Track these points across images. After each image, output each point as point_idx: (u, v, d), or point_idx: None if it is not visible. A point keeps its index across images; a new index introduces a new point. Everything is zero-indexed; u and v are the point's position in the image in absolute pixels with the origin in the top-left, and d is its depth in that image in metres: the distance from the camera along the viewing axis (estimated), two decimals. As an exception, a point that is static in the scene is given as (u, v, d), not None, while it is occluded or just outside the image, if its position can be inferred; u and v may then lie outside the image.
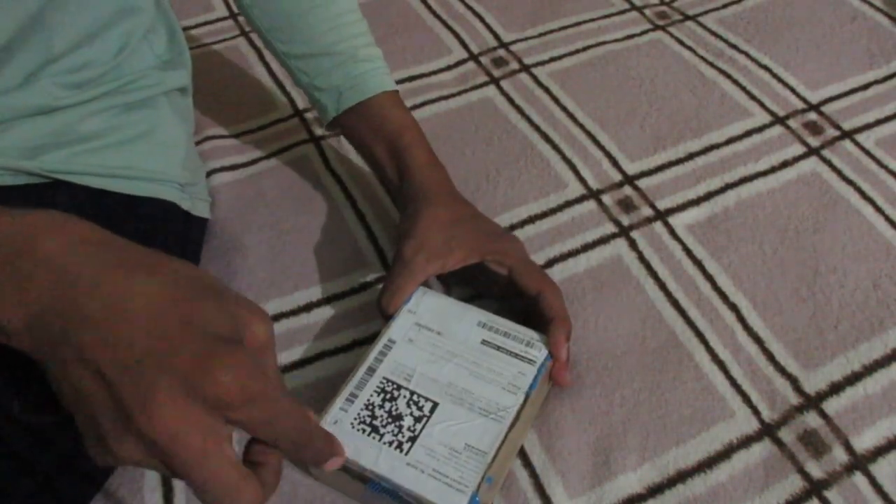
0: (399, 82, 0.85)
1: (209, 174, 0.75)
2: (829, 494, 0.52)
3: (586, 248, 0.68)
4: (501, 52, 0.89)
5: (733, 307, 0.63)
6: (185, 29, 0.84)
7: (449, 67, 0.87)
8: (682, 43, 0.88)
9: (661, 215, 0.70)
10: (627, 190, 0.72)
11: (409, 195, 0.61)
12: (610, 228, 0.69)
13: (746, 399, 0.57)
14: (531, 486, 0.53)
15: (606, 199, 0.72)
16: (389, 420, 0.50)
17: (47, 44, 0.51)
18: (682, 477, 0.54)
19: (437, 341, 0.54)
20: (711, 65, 0.85)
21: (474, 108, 0.82)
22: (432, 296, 0.57)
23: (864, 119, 0.77)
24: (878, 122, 0.77)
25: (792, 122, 0.78)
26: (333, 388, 0.59)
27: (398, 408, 0.51)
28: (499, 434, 0.49)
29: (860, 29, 0.88)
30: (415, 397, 0.51)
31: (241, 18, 0.98)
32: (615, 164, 0.75)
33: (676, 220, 0.69)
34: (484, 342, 0.54)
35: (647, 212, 0.70)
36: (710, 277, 0.65)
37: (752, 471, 0.54)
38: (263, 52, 0.91)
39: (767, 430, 0.56)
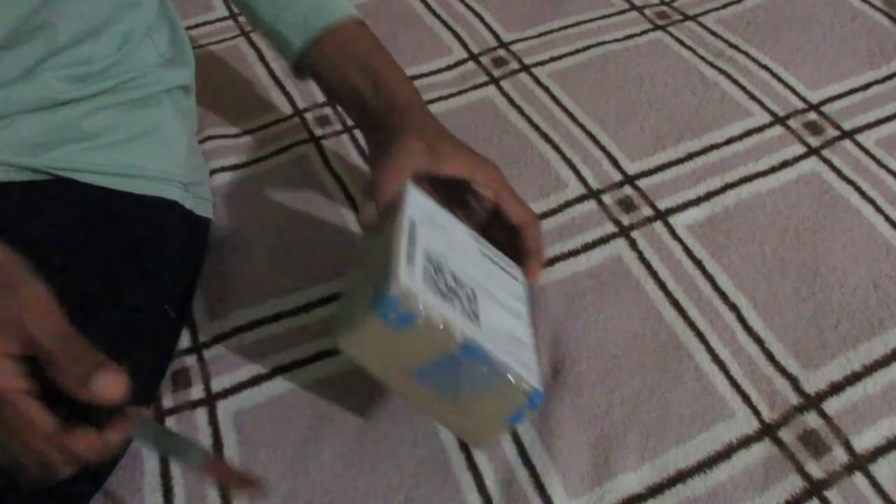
0: (399, 82, 0.85)
1: (209, 174, 0.75)
2: (829, 494, 0.52)
3: (586, 247, 0.68)
4: (501, 52, 0.89)
5: (733, 307, 0.63)
6: (186, 29, 0.84)
7: (449, 67, 0.87)
8: (682, 43, 0.88)
9: (662, 215, 0.70)
10: (627, 190, 0.72)
11: (391, 108, 0.57)
12: (610, 228, 0.69)
13: (746, 399, 0.57)
14: (531, 486, 0.53)
15: (606, 198, 0.72)
16: (449, 291, 0.44)
17: (49, 37, 0.51)
18: (682, 477, 0.54)
19: (446, 237, 0.49)
20: (711, 65, 0.85)
21: (474, 108, 0.82)
22: (423, 195, 0.51)
23: (864, 119, 0.77)
24: (878, 122, 0.77)
25: (792, 122, 0.78)
26: (334, 389, 0.59)
27: (449, 282, 0.44)
28: (529, 332, 0.46)
29: (860, 29, 0.88)
30: (456, 277, 0.45)
31: (241, 18, 0.98)
32: (615, 163, 0.75)
33: (676, 220, 0.69)
34: (479, 251, 0.50)
35: (647, 212, 0.70)
36: (710, 277, 0.65)
37: (752, 471, 0.54)
38: (263, 52, 0.91)
39: (767, 430, 0.56)
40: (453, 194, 0.55)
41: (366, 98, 0.59)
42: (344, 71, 0.60)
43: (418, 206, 0.49)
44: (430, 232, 0.47)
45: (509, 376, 0.43)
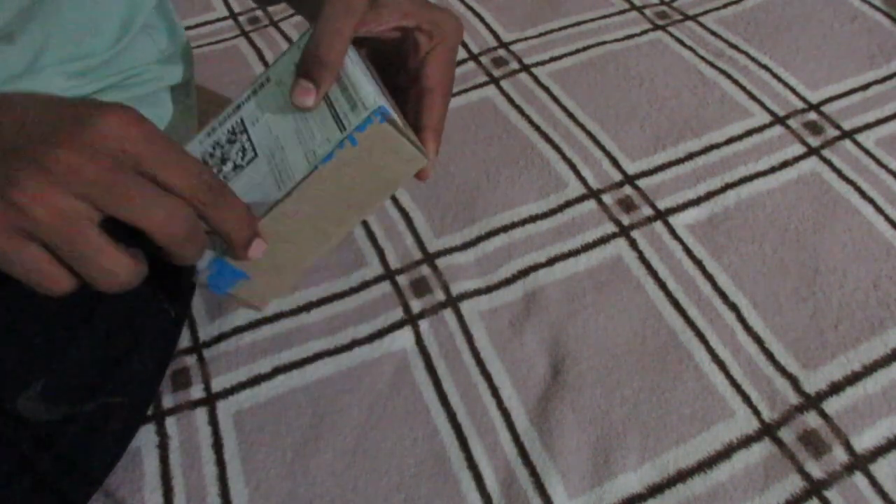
0: (399, 82, 0.85)
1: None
2: (829, 494, 0.52)
3: (587, 247, 0.68)
4: (501, 52, 0.89)
5: (733, 307, 0.63)
6: (185, 29, 0.84)
7: (449, 67, 0.87)
8: (682, 43, 0.88)
9: (662, 215, 0.70)
10: (627, 189, 0.72)
11: None
12: (610, 228, 0.69)
13: (746, 399, 0.57)
14: (531, 486, 0.53)
15: (607, 198, 0.72)
16: (219, 164, 0.42)
17: (48, 29, 0.51)
18: (682, 476, 0.54)
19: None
20: (711, 65, 0.85)
21: (474, 108, 0.82)
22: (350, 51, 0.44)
23: (864, 119, 0.77)
24: (878, 122, 0.77)
25: (792, 122, 0.78)
26: (334, 389, 0.59)
27: (229, 153, 0.43)
28: (265, 206, 0.40)
29: (860, 29, 0.88)
30: (245, 145, 0.43)
31: (241, 18, 0.98)
32: (615, 163, 0.75)
33: (676, 220, 0.69)
34: (326, 96, 0.43)
35: (647, 211, 0.70)
36: (710, 277, 0.65)
37: (752, 471, 0.54)
38: (263, 52, 0.91)
39: (767, 430, 0.56)
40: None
41: None
42: None
43: (294, 59, 0.44)
44: (271, 93, 0.44)
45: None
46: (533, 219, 0.70)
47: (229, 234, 0.35)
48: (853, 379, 0.58)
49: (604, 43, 0.88)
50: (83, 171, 0.30)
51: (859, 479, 0.53)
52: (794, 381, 0.58)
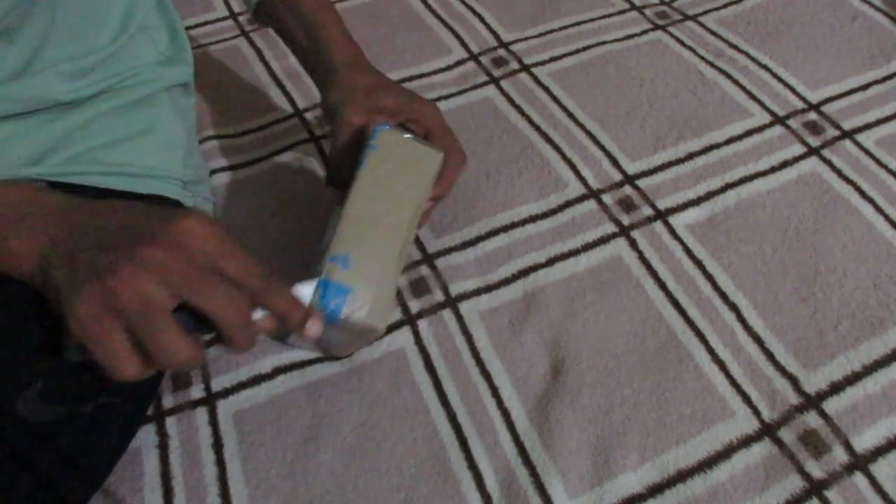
0: (399, 82, 0.85)
1: (209, 174, 0.75)
2: (829, 494, 0.52)
3: (587, 247, 0.68)
4: (501, 52, 0.89)
5: (733, 307, 0.63)
6: (186, 29, 0.84)
7: (449, 67, 0.87)
8: (682, 43, 0.88)
9: (662, 215, 0.70)
10: (627, 189, 0.72)
11: (328, 71, 0.61)
12: (610, 228, 0.69)
13: (746, 399, 0.57)
14: (531, 486, 0.53)
15: (607, 198, 0.72)
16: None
17: (45, 26, 0.51)
18: (682, 476, 0.54)
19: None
20: (711, 65, 0.85)
21: (474, 108, 0.82)
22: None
23: (864, 119, 0.77)
24: (878, 122, 0.77)
25: (792, 122, 0.78)
26: (334, 389, 0.59)
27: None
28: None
29: (860, 29, 0.88)
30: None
31: (241, 18, 0.98)
32: (615, 163, 0.75)
33: (676, 220, 0.69)
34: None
35: (647, 211, 0.70)
36: (710, 277, 0.65)
37: (752, 471, 0.54)
38: (263, 52, 0.91)
39: (767, 430, 0.56)
40: None
41: (307, 58, 0.64)
42: (289, 27, 0.65)
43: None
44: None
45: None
46: (533, 219, 0.70)
47: (281, 312, 0.42)
48: (853, 379, 0.58)
49: (604, 43, 0.88)
50: (167, 264, 0.37)
51: (859, 479, 0.53)
52: (794, 381, 0.58)
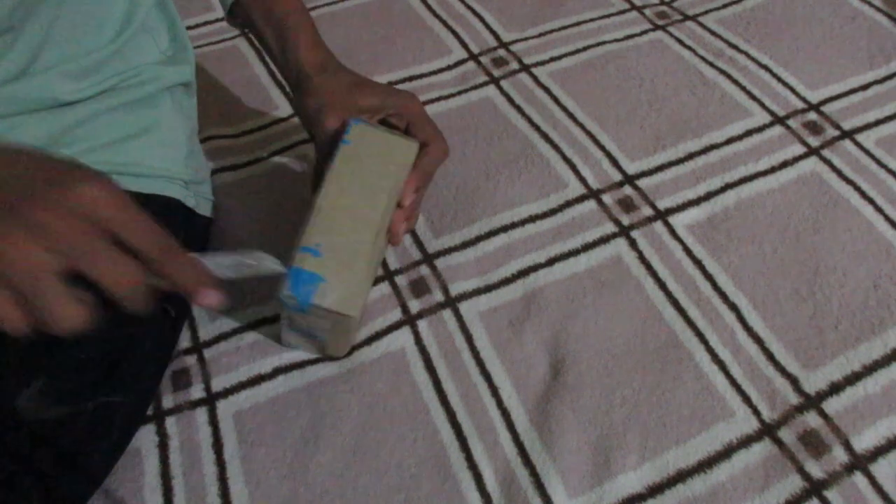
0: (399, 82, 0.85)
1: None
2: (829, 494, 0.52)
3: (586, 247, 0.68)
4: (501, 52, 0.89)
5: (733, 307, 0.63)
6: (186, 29, 0.84)
7: (449, 67, 0.87)
8: (682, 43, 0.88)
9: (661, 215, 0.70)
10: (627, 189, 0.72)
11: (299, 75, 0.61)
12: (610, 228, 0.69)
13: (746, 399, 0.57)
14: (531, 486, 0.53)
15: (606, 198, 0.72)
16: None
17: (48, 26, 0.51)
18: (682, 477, 0.54)
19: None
20: (711, 65, 0.85)
21: (474, 108, 0.82)
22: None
23: (864, 119, 0.77)
24: (878, 122, 0.77)
25: (792, 122, 0.78)
26: (334, 389, 0.59)
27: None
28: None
29: (860, 29, 0.88)
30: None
31: (241, 18, 0.98)
32: (615, 163, 0.75)
33: (676, 220, 0.69)
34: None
35: (647, 211, 0.70)
36: (710, 277, 0.65)
37: (752, 471, 0.54)
38: (264, 52, 0.91)
39: (767, 430, 0.56)
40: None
41: (277, 61, 0.64)
42: (261, 29, 0.64)
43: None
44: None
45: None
46: (533, 219, 0.70)
47: (177, 281, 0.40)
48: (853, 379, 0.58)
49: (604, 43, 0.88)
50: (55, 227, 0.35)
51: (859, 479, 0.53)
52: (794, 381, 0.58)
